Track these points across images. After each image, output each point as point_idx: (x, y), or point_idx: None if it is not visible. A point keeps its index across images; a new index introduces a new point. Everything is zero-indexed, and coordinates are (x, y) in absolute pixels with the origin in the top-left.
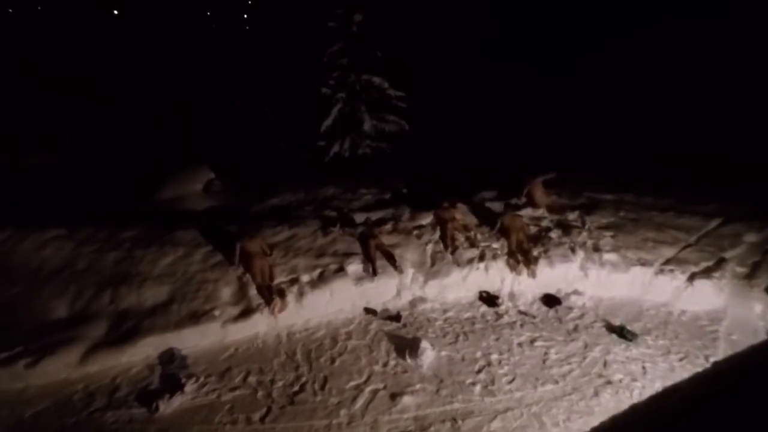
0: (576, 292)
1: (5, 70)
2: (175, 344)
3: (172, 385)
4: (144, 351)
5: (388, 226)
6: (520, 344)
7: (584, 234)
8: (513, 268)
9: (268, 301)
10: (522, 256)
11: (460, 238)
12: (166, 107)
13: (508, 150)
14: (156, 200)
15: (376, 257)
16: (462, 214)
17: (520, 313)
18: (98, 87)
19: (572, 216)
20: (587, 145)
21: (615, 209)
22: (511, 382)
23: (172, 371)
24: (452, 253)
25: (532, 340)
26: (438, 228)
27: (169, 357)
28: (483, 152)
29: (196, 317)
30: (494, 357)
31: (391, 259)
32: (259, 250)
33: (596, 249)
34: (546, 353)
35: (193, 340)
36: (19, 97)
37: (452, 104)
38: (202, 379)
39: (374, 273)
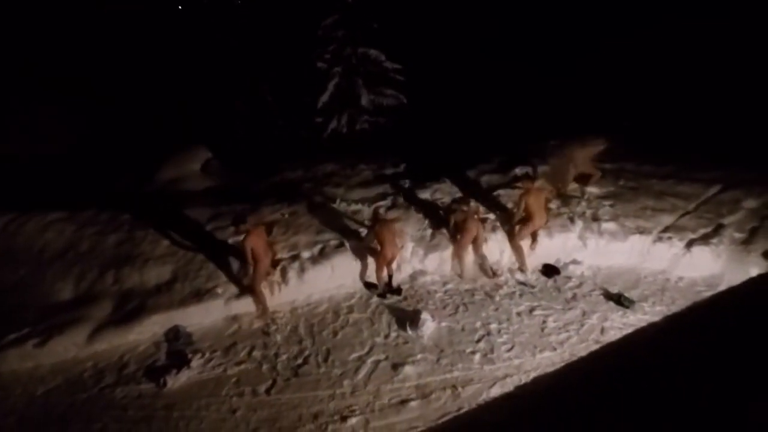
0: (574, 262)
1: (5, 68)
2: (180, 322)
3: (178, 360)
4: (150, 329)
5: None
6: (519, 313)
7: (583, 204)
8: (518, 254)
9: (259, 307)
10: (532, 237)
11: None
12: (162, 90)
13: (508, 122)
14: (155, 182)
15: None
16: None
17: (519, 283)
18: (90, 75)
19: (571, 186)
20: (588, 117)
21: (615, 178)
22: (510, 350)
23: (178, 348)
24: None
25: (531, 309)
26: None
27: (174, 334)
28: (482, 125)
29: (199, 295)
30: (493, 326)
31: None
32: (264, 240)
33: (595, 218)
34: (544, 321)
35: (197, 318)
36: (20, 93)
37: (451, 77)
38: (207, 354)
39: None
